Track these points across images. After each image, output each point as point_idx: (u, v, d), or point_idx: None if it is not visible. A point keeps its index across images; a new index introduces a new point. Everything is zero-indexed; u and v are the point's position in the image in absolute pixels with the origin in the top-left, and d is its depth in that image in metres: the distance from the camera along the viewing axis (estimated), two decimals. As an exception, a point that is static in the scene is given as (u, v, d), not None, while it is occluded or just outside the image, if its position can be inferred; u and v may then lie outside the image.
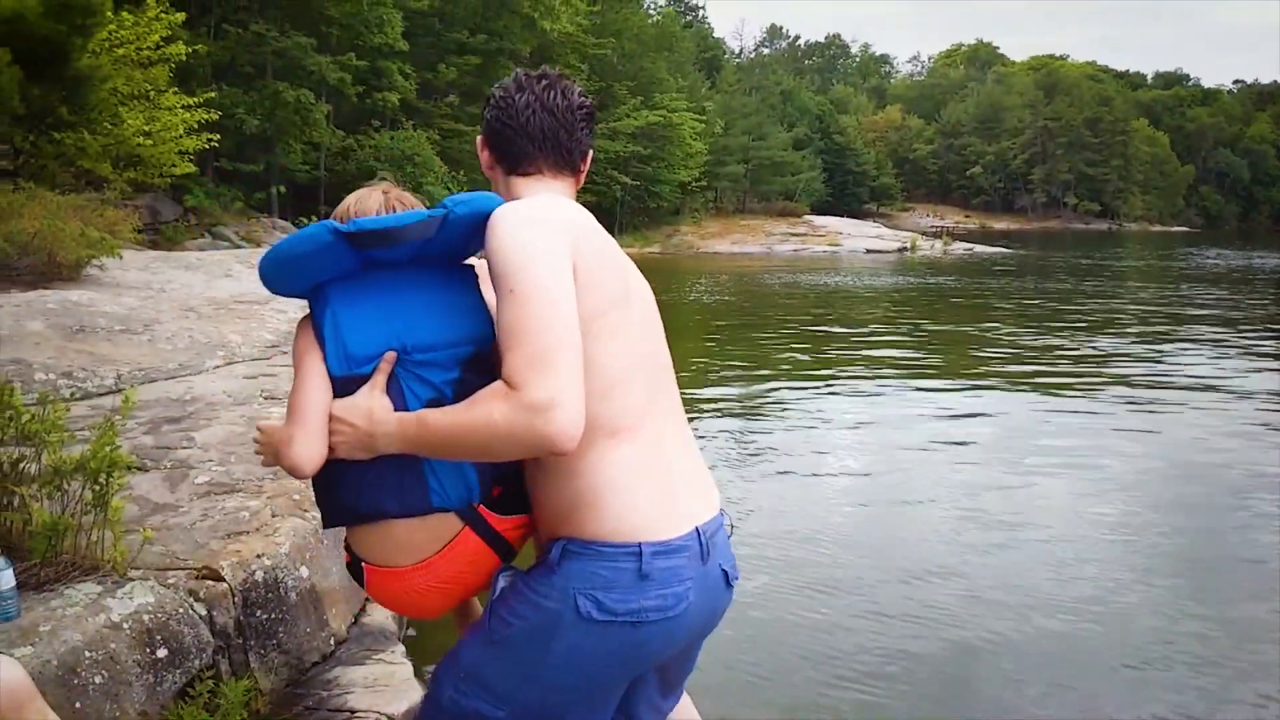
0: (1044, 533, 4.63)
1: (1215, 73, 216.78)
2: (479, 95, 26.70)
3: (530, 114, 1.51)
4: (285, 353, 4.78)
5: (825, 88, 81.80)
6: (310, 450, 1.36)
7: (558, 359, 1.23)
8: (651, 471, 1.38)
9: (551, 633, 1.35)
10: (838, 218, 47.52)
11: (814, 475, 5.65)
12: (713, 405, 7.42)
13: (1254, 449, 6.21)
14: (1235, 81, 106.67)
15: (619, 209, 37.35)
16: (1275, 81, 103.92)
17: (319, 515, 2.85)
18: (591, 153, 1.60)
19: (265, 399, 3.84)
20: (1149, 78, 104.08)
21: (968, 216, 71.23)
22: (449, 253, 1.48)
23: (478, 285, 1.51)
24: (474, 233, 1.44)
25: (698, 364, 9.47)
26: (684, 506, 1.41)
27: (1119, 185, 74.38)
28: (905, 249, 35.54)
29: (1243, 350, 10.73)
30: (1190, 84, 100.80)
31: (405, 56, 22.72)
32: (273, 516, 2.79)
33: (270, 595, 2.55)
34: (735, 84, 57.13)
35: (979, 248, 36.05)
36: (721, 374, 9.01)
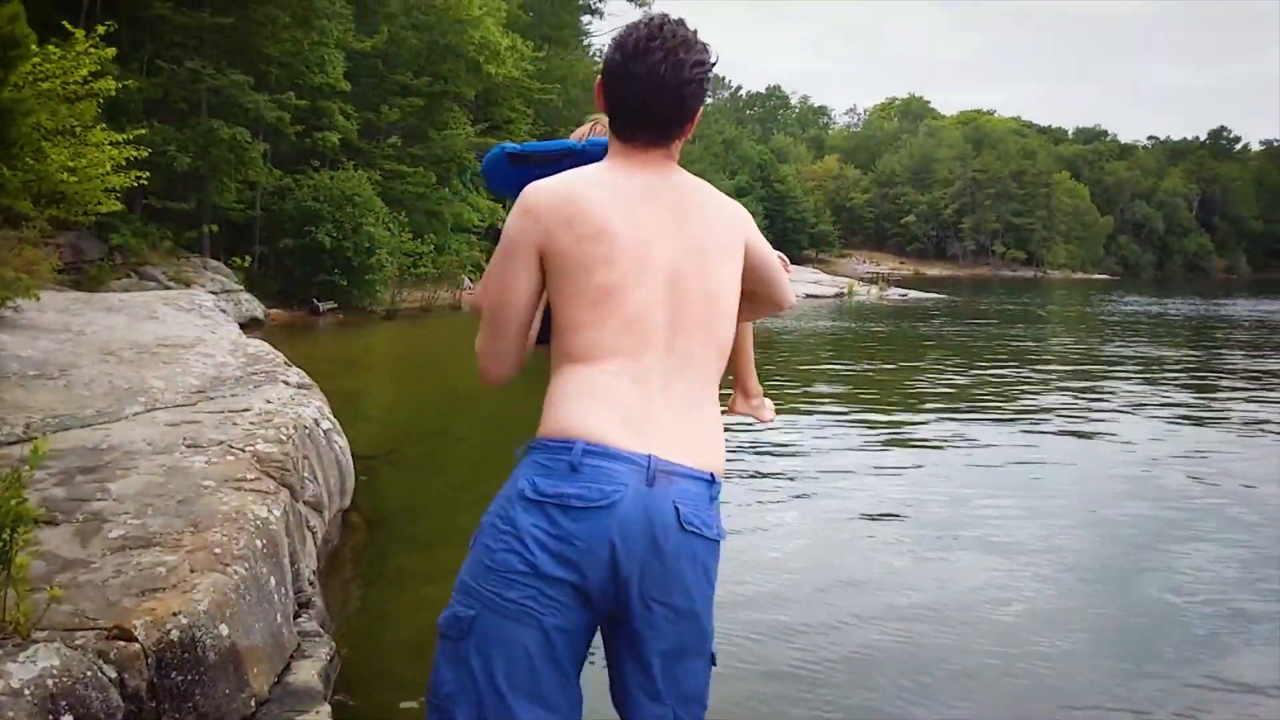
0: (981, 559, 4.72)
1: (1131, 129, 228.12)
2: (422, 137, 26.67)
3: (636, 86, 1.57)
4: (212, 398, 4.62)
5: (766, 137, 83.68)
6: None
7: (485, 326, 1.66)
8: (610, 395, 1.53)
9: (505, 515, 1.52)
10: (777, 263, 48.22)
11: (759, 503, 5.66)
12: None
13: (1176, 482, 6.42)
14: (1150, 137, 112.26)
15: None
16: (1186, 138, 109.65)
17: (241, 570, 2.73)
18: (700, 109, 1.66)
19: (188, 447, 3.69)
20: (1070, 133, 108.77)
21: (902, 263, 73.10)
22: None
23: None
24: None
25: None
26: (642, 434, 1.52)
27: (1043, 234, 77.24)
28: (843, 294, 36.22)
29: (1156, 391, 11.12)
30: (1108, 139, 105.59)
31: (347, 96, 22.50)
32: (191, 572, 2.66)
33: (186, 655, 2.42)
34: (677, 131, 58.01)
35: (913, 293, 36.98)
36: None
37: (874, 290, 37.41)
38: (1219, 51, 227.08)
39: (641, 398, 1.54)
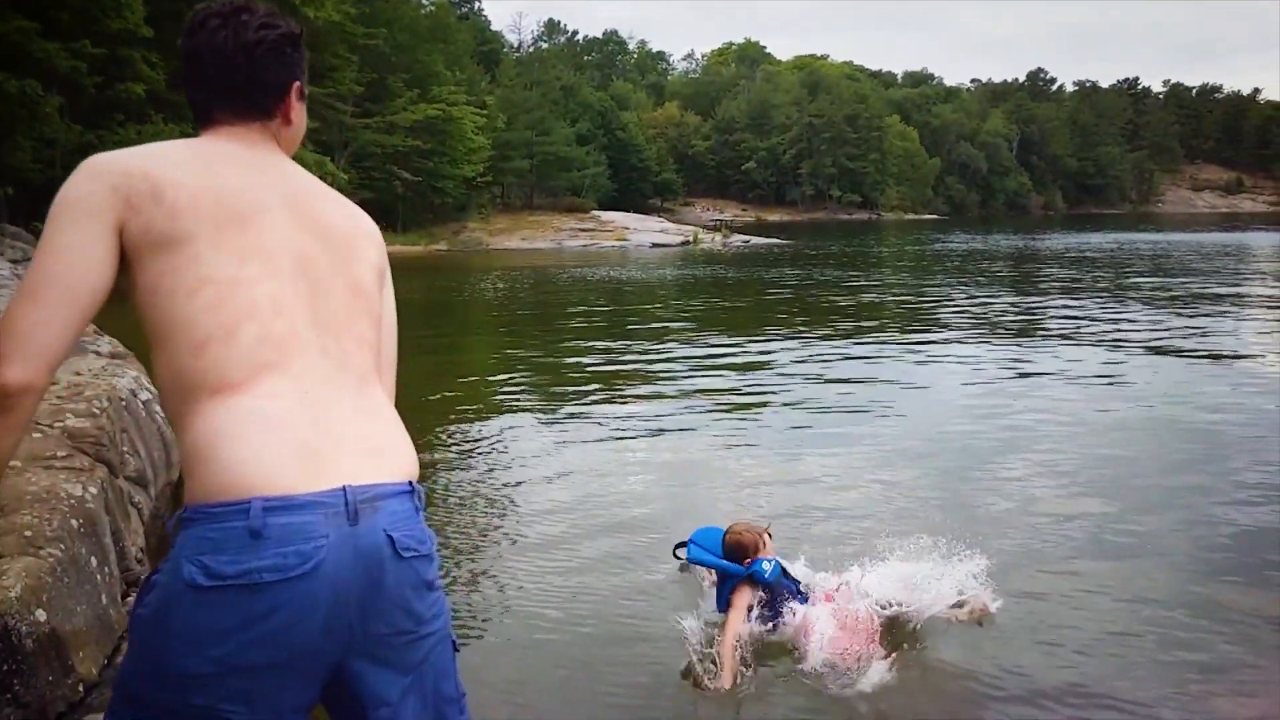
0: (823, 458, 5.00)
1: (956, 72, 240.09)
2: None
3: (202, 60, 1.41)
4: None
5: (605, 84, 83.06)
6: None
7: (26, 305, 1.23)
8: (273, 424, 1.27)
9: (168, 613, 1.22)
10: (624, 213, 48.62)
11: (613, 454, 5.76)
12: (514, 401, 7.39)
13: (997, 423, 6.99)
14: (973, 80, 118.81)
15: (400, 205, 36.13)
16: (1006, 80, 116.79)
17: (56, 552, 2.58)
18: (298, 85, 1.48)
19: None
20: (899, 77, 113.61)
21: (744, 210, 74.92)
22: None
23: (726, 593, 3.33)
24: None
25: (498, 361, 9.39)
26: (327, 463, 1.28)
27: (876, 178, 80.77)
28: (688, 242, 36.89)
29: (986, 329, 12.03)
30: (935, 83, 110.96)
31: (151, 44, 20.77)
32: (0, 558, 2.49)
33: (0, 645, 2.28)
34: (515, 78, 56.90)
35: (755, 239, 38.10)
36: (519, 376, 8.98)
37: (718, 238, 38.30)
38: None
39: (312, 417, 1.30)
